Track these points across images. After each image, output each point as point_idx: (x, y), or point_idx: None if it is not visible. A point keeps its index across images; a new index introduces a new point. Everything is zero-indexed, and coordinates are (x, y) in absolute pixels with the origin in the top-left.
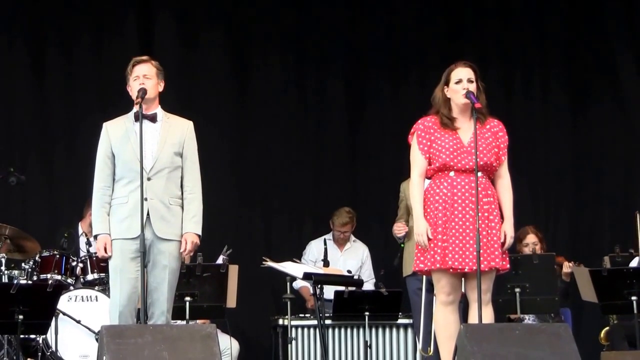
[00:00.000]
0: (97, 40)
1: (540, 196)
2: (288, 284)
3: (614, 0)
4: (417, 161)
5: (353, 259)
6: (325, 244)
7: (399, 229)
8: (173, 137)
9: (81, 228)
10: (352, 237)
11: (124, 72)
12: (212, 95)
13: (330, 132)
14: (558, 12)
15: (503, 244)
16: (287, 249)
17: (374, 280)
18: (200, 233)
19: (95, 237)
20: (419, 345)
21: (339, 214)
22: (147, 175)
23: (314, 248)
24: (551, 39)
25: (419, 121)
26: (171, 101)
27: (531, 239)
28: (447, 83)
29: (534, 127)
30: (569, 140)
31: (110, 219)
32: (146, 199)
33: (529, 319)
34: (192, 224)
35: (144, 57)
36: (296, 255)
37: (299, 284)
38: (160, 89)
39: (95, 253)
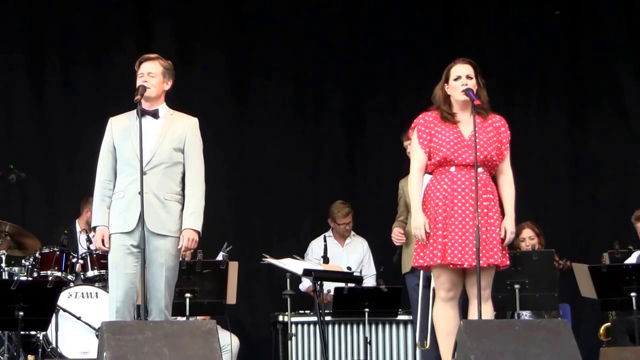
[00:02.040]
0: (96, 43)
1: (539, 193)
2: (288, 280)
3: (613, 6)
4: (417, 155)
5: (355, 253)
6: (325, 240)
7: (397, 238)
8: (173, 132)
9: (78, 225)
10: (352, 232)
11: (127, 72)
12: (212, 95)
13: (329, 130)
14: (557, 19)
15: (503, 239)
16: (287, 246)
17: (375, 274)
18: (199, 229)
19: (94, 229)
20: (416, 339)
21: (338, 208)
22: (143, 169)
23: (316, 247)
24: (550, 43)
25: (420, 116)
26: (170, 100)
27: (527, 233)
28: (447, 80)
29: (533, 125)
30: (568, 138)
31: (110, 213)
32: (140, 193)
33: (525, 315)
34: (191, 220)
35: (152, 55)
36: (296, 252)
37: (305, 285)
38: (167, 87)
39: (96, 250)
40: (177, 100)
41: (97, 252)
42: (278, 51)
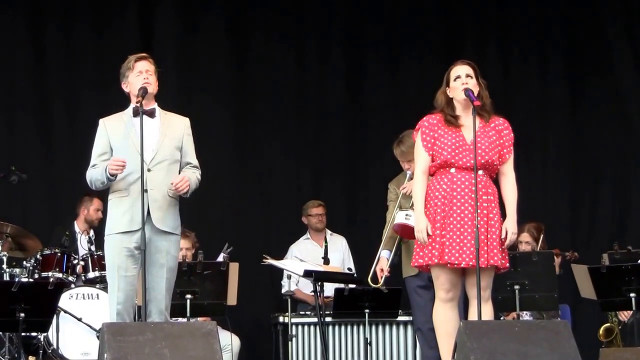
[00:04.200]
0: (96, 36)
1: (538, 193)
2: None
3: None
4: (420, 158)
5: (335, 251)
6: (326, 241)
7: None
8: (173, 131)
9: (77, 226)
10: (329, 231)
11: (122, 69)
12: (213, 93)
13: (330, 131)
14: (557, 13)
15: (504, 241)
16: (287, 247)
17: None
18: (194, 182)
19: (107, 176)
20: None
21: (309, 204)
22: (147, 166)
23: (296, 250)
24: (550, 40)
25: (424, 118)
26: (172, 97)
27: (524, 237)
28: (447, 84)
29: (533, 125)
30: (567, 137)
31: (110, 213)
32: (146, 190)
33: (525, 315)
34: (189, 173)
35: (144, 54)
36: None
37: (285, 288)
38: (157, 86)
39: (96, 251)
40: (178, 93)
41: (98, 254)
42: (278, 50)
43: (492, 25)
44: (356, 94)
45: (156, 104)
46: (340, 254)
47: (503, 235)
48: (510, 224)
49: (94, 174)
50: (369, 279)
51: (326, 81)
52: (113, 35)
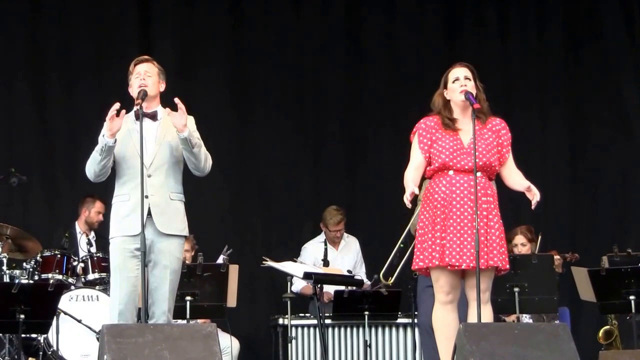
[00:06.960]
0: (98, 48)
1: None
2: (288, 283)
3: (613, 11)
4: (415, 157)
5: (349, 252)
6: (326, 244)
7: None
8: (174, 131)
9: (79, 227)
10: (345, 234)
11: (125, 75)
12: (212, 96)
13: (329, 133)
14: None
15: (532, 198)
16: (287, 249)
17: (365, 272)
18: (194, 133)
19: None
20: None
21: (331, 214)
22: (147, 172)
23: (310, 250)
24: (550, 44)
25: (421, 120)
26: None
27: (519, 240)
28: (445, 86)
29: (533, 127)
30: (566, 139)
31: (112, 217)
32: (147, 196)
33: (525, 318)
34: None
35: (146, 57)
36: (296, 255)
37: (298, 286)
38: (162, 89)
39: (96, 253)
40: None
41: (97, 255)
42: (278, 57)
43: (491, 26)
44: (356, 97)
45: (160, 106)
46: (353, 257)
47: (533, 199)
48: (533, 186)
49: (92, 155)
50: (381, 275)
51: (325, 82)
52: (114, 49)
